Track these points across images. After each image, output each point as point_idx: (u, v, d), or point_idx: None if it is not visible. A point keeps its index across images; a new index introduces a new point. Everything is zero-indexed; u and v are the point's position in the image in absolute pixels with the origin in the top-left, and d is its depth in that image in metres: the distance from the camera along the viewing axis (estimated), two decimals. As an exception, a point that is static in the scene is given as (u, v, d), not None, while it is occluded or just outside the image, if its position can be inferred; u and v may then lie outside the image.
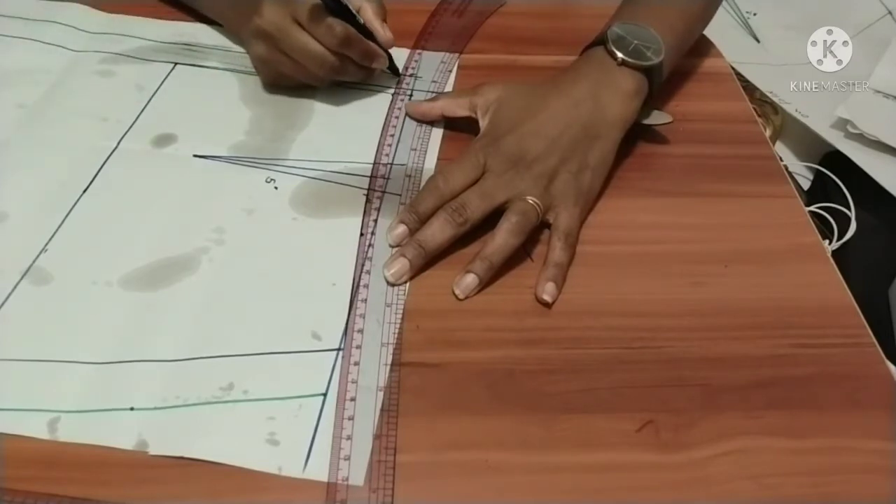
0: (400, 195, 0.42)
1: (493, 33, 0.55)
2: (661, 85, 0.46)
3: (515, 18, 0.57)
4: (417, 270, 0.38)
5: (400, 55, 0.52)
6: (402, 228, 0.39)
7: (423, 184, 0.42)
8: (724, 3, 0.77)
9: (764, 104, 0.68)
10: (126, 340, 0.34)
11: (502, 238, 0.38)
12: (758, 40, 0.75)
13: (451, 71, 0.52)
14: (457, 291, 0.37)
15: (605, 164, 0.42)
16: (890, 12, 0.74)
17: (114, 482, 0.29)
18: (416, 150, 0.45)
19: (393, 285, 0.37)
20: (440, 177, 0.40)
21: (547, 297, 0.37)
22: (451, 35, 0.55)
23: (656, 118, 0.46)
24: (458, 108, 0.45)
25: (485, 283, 0.37)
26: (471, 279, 0.37)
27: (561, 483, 0.30)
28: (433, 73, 0.51)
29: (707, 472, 0.31)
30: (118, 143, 0.43)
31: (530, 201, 0.39)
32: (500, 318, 0.36)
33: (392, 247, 0.39)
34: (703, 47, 0.56)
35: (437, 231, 0.38)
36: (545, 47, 0.54)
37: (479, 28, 0.56)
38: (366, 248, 0.39)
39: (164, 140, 0.44)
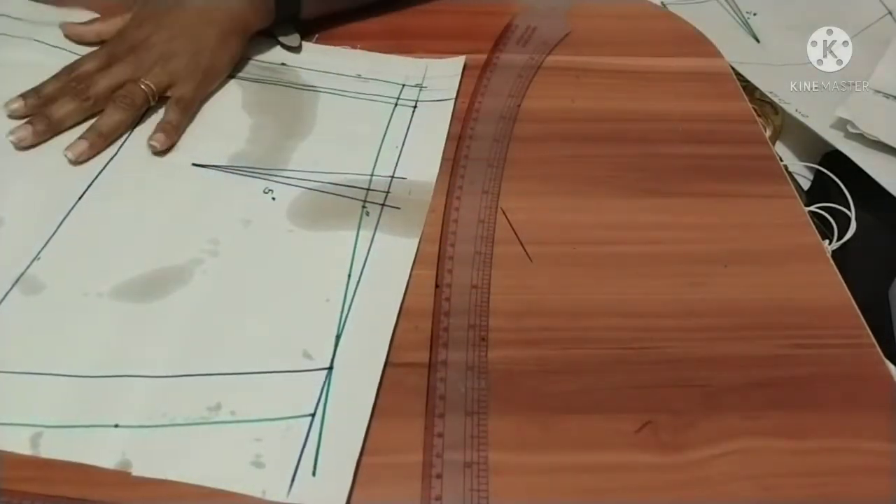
0: (399, 208, 0.41)
1: (494, 33, 0.55)
2: (309, 11, 0.52)
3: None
4: (40, 139, 0.42)
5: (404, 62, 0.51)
6: (19, 103, 0.44)
7: (424, 197, 0.42)
8: (723, 2, 0.78)
9: (764, 104, 0.68)
10: (114, 354, 0.33)
11: (108, 112, 0.43)
12: (758, 40, 0.74)
13: (456, 75, 0.51)
14: (69, 154, 0.41)
15: (222, 45, 0.48)
16: (890, 12, 0.74)
17: (110, 483, 0.29)
18: (417, 162, 0.44)
19: (17, 148, 0.42)
20: (68, 65, 0.46)
21: (156, 144, 0.43)
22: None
23: (290, 40, 0.52)
24: (112, 28, 0.49)
25: (97, 150, 0.42)
26: (84, 144, 0.42)
27: (560, 483, 0.30)
28: (439, 81, 0.51)
29: (707, 472, 0.31)
30: (117, 150, 0.43)
31: (141, 85, 0.44)
32: (499, 318, 0.36)
33: (10, 117, 0.43)
34: (703, 47, 0.56)
35: (61, 104, 0.43)
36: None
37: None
38: (362, 262, 0.38)
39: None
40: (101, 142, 0.43)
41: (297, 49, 0.51)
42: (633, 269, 0.39)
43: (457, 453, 0.31)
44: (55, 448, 0.30)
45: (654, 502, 0.30)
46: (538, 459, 0.31)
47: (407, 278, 0.38)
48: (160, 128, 0.43)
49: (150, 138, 0.43)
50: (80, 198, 0.40)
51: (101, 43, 0.49)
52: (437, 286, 0.37)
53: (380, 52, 0.53)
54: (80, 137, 0.42)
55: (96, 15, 0.53)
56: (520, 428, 0.32)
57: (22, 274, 0.36)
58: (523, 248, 0.39)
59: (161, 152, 0.43)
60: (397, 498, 0.29)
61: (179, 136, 0.44)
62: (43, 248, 0.37)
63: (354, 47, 0.53)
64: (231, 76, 0.49)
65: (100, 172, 0.42)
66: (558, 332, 0.36)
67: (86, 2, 0.54)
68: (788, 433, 0.32)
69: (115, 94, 0.44)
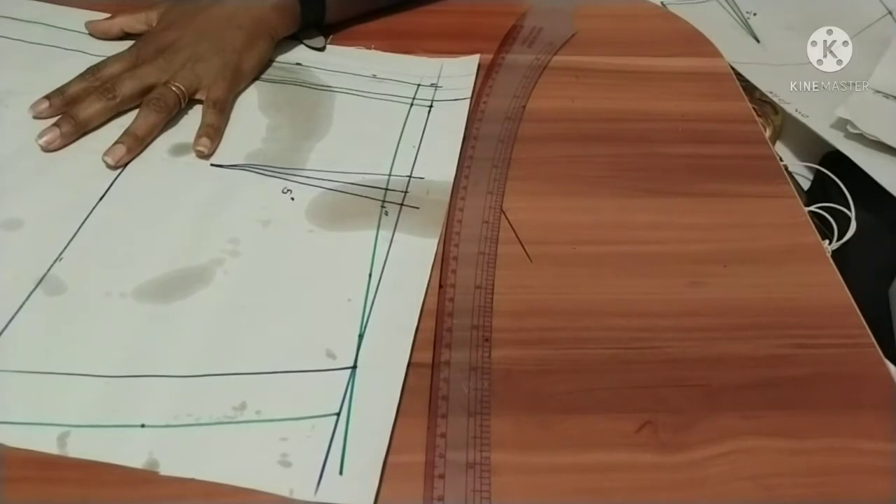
0: (418, 208, 0.41)
1: (500, 33, 0.55)
2: (332, 15, 0.52)
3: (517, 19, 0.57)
4: (68, 140, 0.43)
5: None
6: (44, 104, 0.44)
7: (442, 196, 0.42)
8: (723, 2, 0.78)
9: (764, 104, 0.68)
10: (139, 354, 0.33)
11: (142, 115, 0.43)
12: (758, 40, 0.74)
13: (470, 74, 0.51)
14: (108, 159, 0.41)
15: (249, 48, 0.48)
16: (890, 12, 0.74)
17: (113, 482, 0.29)
18: (434, 162, 0.44)
19: (46, 151, 0.42)
20: (93, 66, 0.45)
21: (202, 149, 0.43)
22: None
23: (315, 42, 0.52)
24: (137, 23, 0.50)
25: (134, 154, 0.42)
26: (122, 149, 0.42)
27: (560, 483, 0.30)
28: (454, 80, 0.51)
29: (706, 472, 0.31)
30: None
31: (172, 87, 0.44)
32: (499, 318, 0.36)
33: (35, 118, 0.44)
34: (703, 47, 0.57)
35: (87, 104, 0.43)
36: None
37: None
38: (382, 262, 0.38)
39: (181, 148, 0.44)
40: (138, 145, 0.43)
41: (322, 49, 0.51)
42: (633, 269, 0.39)
43: (459, 454, 0.31)
44: (83, 448, 0.30)
45: (654, 502, 0.30)
46: (538, 459, 0.31)
47: (427, 278, 0.38)
48: (203, 132, 0.43)
49: (195, 144, 0.43)
50: (100, 199, 0.40)
51: (125, 37, 0.49)
52: (440, 286, 0.38)
53: (387, 52, 0.53)
54: (117, 142, 0.42)
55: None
56: (520, 428, 0.32)
57: (45, 275, 0.36)
58: (523, 248, 0.39)
59: (206, 155, 0.43)
60: (399, 498, 0.30)
61: (221, 138, 0.44)
62: (65, 248, 0.37)
63: (369, 48, 0.53)
64: None
65: (120, 173, 0.42)
66: (558, 332, 0.36)
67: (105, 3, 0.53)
68: (788, 433, 0.33)
69: (147, 97, 0.44)
